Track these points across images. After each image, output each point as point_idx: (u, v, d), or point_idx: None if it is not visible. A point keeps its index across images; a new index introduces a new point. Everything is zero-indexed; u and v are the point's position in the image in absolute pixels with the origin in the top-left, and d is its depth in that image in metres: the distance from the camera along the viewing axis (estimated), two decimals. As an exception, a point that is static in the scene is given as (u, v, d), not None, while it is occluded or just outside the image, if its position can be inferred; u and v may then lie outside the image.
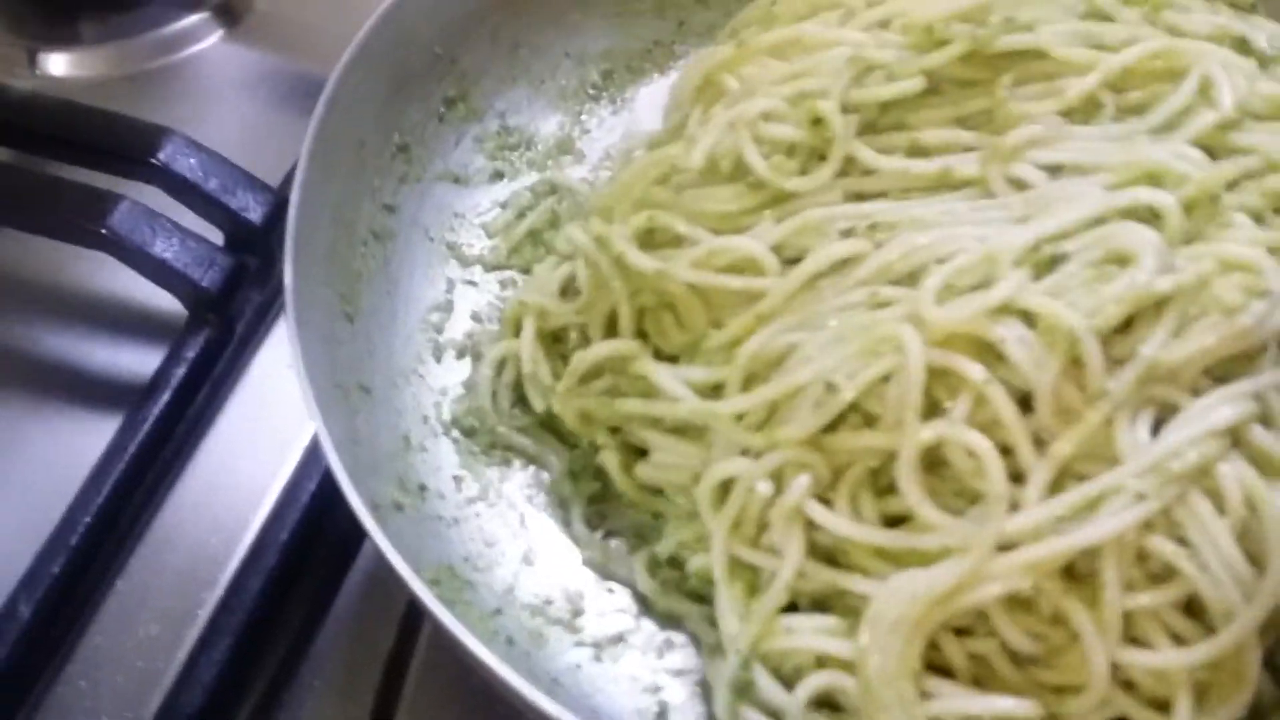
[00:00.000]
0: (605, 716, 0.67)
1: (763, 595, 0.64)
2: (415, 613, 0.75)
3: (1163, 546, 0.58)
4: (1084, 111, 0.67)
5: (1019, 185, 0.66)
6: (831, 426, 0.64)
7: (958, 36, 0.68)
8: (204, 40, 1.03)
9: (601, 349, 0.72)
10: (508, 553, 0.73)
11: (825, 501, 0.64)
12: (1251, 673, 0.58)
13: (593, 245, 0.72)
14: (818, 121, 0.69)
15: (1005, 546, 0.59)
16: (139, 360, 0.85)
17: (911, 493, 0.61)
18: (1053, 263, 0.62)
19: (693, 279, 0.69)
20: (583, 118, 0.88)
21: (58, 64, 1.02)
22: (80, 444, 0.81)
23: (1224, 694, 0.58)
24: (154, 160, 0.86)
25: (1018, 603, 0.60)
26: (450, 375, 0.78)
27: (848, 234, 0.67)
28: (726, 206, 0.71)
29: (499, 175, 0.85)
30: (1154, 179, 0.64)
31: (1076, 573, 0.59)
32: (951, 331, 0.60)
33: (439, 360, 0.78)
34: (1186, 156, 0.65)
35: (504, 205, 0.84)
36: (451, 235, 0.82)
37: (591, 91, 0.88)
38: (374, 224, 0.78)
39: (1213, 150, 0.65)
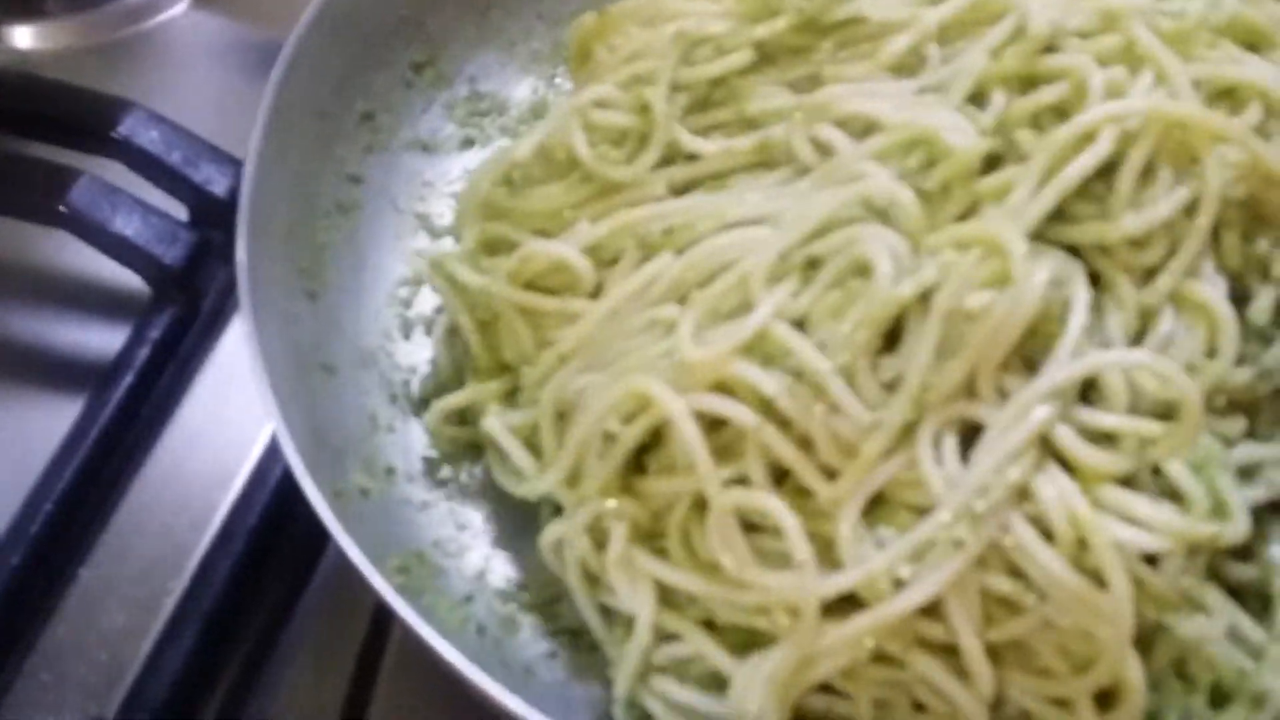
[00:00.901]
0: (581, 705, 0.64)
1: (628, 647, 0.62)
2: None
3: (1000, 584, 0.55)
4: (909, 68, 0.65)
5: (824, 150, 0.64)
6: (642, 469, 0.62)
7: (787, 7, 0.67)
8: (171, 8, 0.99)
9: (456, 398, 0.70)
10: (480, 537, 0.70)
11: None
12: (1136, 681, 0.55)
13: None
14: (646, 107, 0.68)
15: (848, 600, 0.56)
16: (102, 340, 0.82)
17: (719, 550, 0.58)
18: (809, 268, 0.60)
19: (510, 297, 0.68)
20: (556, 81, 0.83)
21: (23, 37, 0.98)
22: (42, 428, 0.77)
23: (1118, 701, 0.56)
24: (114, 134, 0.82)
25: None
26: (420, 352, 0.74)
27: (668, 233, 0.65)
28: (556, 202, 0.69)
29: (470, 142, 0.81)
30: (919, 145, 0.61)
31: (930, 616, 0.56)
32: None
33: (408, 337, 0.75)
34: (960, 126, 0.61)
35: (476, 174, 0.80)
36: (421, 206, 0.78)
37: (565, 54, 0.84)
38: (338, 196, 0.75)
39: (1029, 79, 0.62)
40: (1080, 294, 0.57)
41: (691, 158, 0.68)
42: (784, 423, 0.58)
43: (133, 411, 0.78)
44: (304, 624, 0.75)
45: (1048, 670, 0.56)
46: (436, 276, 0.71)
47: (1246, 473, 0.58)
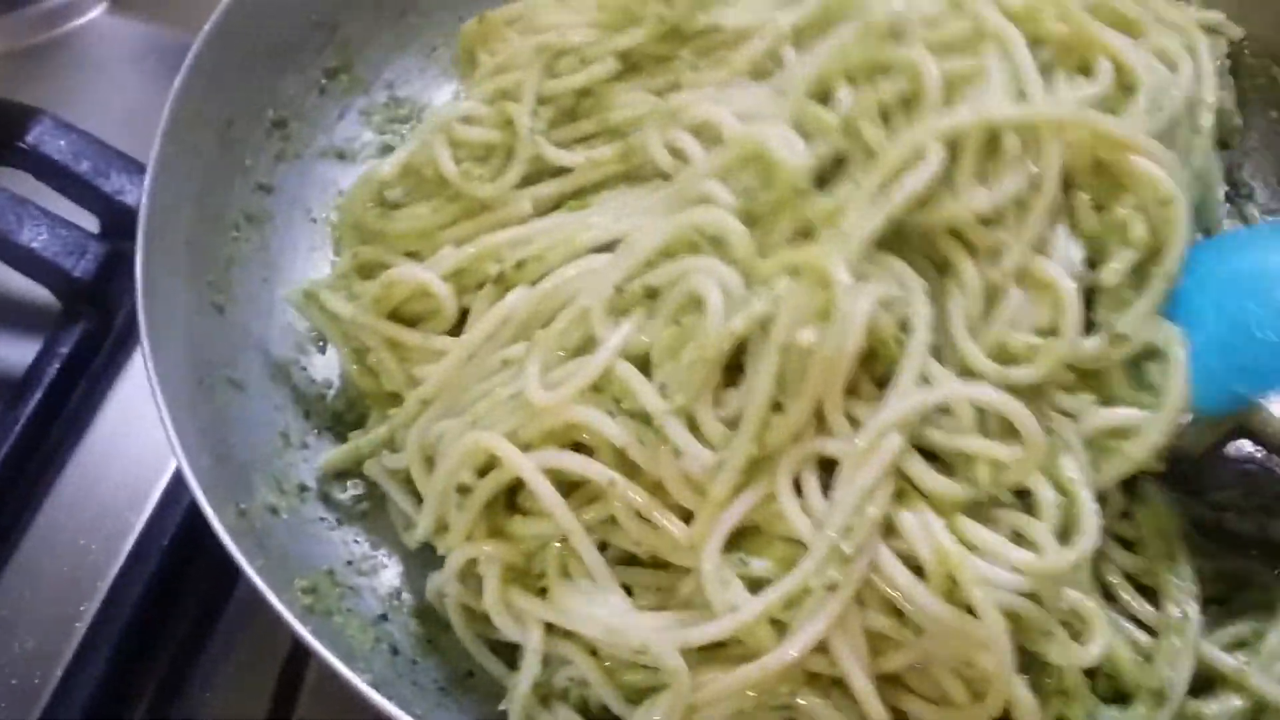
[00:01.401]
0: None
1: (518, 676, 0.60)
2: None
3: (878, 622, 0.55)
4: (767, 72, 0.65)
5: (680, 156, 0.63)
6: (514, 508, 0.61)
7: (647, 16, 0.67)
8: (88, 13, 0.97)
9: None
10: (395, 554, 0.68)
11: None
12: (1027, 702, 0.55)
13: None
14: (510, 122, 0.67)
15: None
16: (12, 354, 0.79)
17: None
18: (649, 298, 0.60)
19: (375, 329, 0.67)
20: (480, 86, 0.81)
21: (-64, 43, 0.96)
22: (-51, 447, 0.75)
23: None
24: (21, 143, 0.80)
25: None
26: (335, 366, 0.73)
27: (520, 266, 0.64)
28: (425, 223, 0.68)
29: (389, 149, 0.78)
30: (753, 160, 0.60)
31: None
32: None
33: (323, 351, 0.73)
34: (790, 141, 0.60)
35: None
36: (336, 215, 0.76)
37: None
38: (247, 206, 0.72)
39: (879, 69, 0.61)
40: (921, 311, 0.57)
41: (559, 173, 0.67)
42: (636, 468, 0.57)
43: (42, 430, 0.76)
44: (223, 642, 0.73)
45: (946, 698, 0.56)
46: (309, 307, 0.69)
47: (1098, 444, 0.58)
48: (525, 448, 0.59)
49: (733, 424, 0.56)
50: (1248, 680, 0.58)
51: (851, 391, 0.56)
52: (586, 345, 0.59)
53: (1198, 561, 0.60)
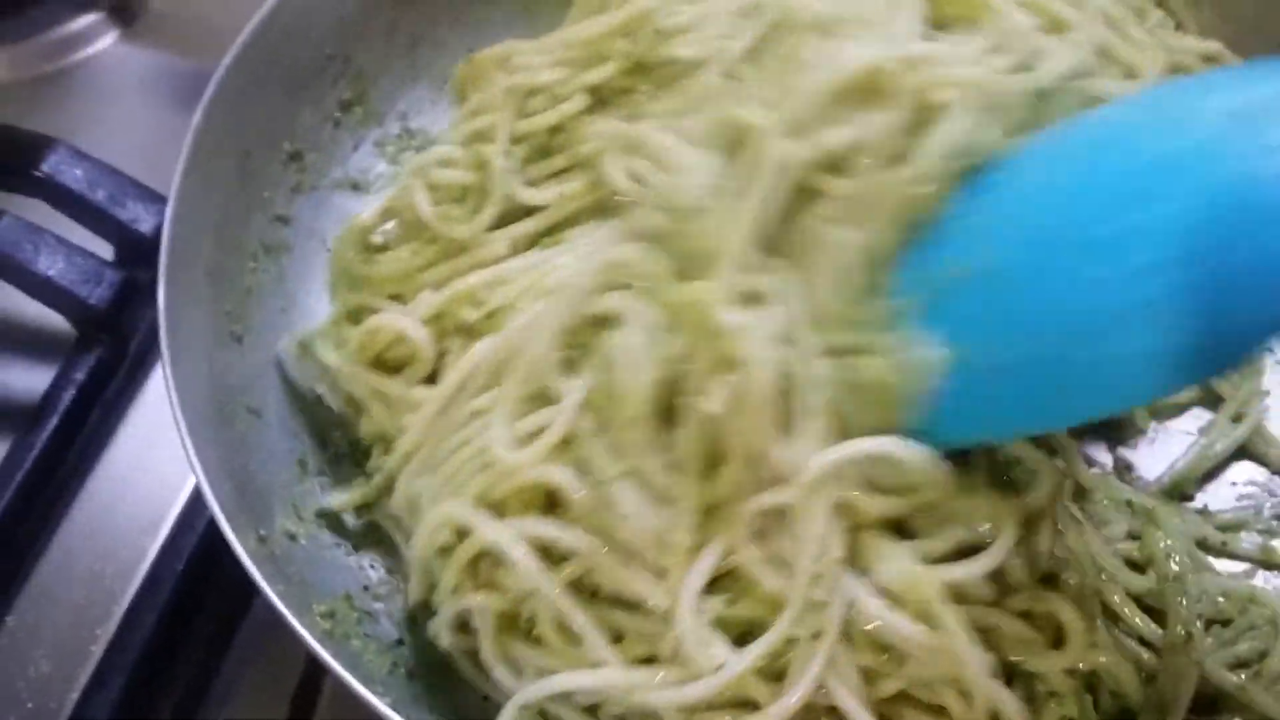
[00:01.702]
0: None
1: None
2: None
3: (866, 657, 0.56)
4: None
5: (640, 182, 0.64)
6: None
7: (614, 53, 0.69)
8: (98, 42, 0.98)
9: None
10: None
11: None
12: (1012, 709, 0.56)
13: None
14: (484, 163, 0.69)
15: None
16: (27, 382, 0.80)
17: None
18: (585, 351, 0.61)
19: (357, 379, 0.68)
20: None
21: (-54, 70, 0.96)
22: (-36, 474, 0.76)
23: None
24: (37, 172, 0.80)
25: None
26: (352, 394, 0.74)
27: (490, 316, 0.65)
28: (405, 265, 0.70)
29: (401, 181, 0.80)
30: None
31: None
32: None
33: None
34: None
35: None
36: (352, 246, 0.77)
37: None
38: (265, 237, 0.73)
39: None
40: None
41: (533, 211, 0.68)
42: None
43: (58, 456, 0.77)
44: (237, 667, 0.74)
45: (943, 708, 0.57)
46: (306, 358, 0.71)
47: None
48: (497, 507, 0.61)
49: (677, 467, 0.57)
50: (1251, 699, 0.59)
51: (781, 429, 0.57)
52: (545, 395, 0.61)
53: (1203, 582, 0.61)
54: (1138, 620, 0.61)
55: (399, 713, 0.56)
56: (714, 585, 0.58)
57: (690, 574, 0.57)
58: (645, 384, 0.57)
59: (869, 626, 0.55)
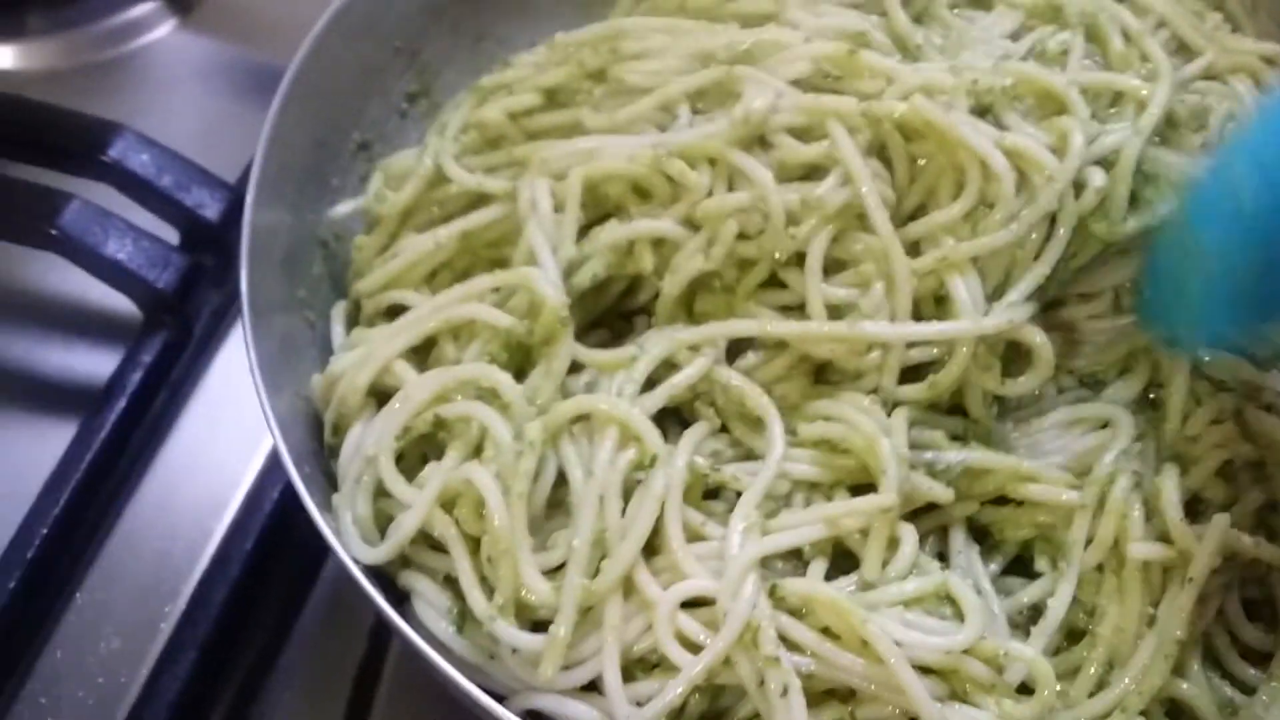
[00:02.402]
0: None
1: None
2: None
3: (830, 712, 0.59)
4: (660, 122, 0.69)
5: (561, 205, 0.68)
6: None
7: (570, 60, 0.72)
8: (156, 30, 0.99)
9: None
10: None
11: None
12: None
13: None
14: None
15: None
16: (95, 364, 0.81)
17: None
18: (436, 429, 0.64)
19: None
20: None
21: (4, 57, 0.97)
22: (34, 453, 0.77)
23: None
24: (105, 157, 0.81)
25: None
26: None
27: None
28: (367, 251, 0.73)
29: (464, 171, 0.81)
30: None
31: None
32: None
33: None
34: (550, 274, 0.65)
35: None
36: (416, 234, 0.78)
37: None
38: (336, 225, 0.74)
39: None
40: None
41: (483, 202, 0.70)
42: None
43: (126, 436, 0.78)
44: (301, 645, 0.75)
45: None
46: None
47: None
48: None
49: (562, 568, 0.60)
50: None
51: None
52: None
53: None
54: (1232, 661, 0.63)
55: (464, 674, 0.57)
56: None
57: (613, 644, 0.59)
58: (520, 530, 0.60)
59: (806, 669, 0.58)
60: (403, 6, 0.77)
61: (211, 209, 0.82)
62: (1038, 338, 0.64)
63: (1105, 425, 0.66)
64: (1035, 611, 0.63)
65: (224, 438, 0.79)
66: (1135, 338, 0.67)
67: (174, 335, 0.80)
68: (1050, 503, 0.64)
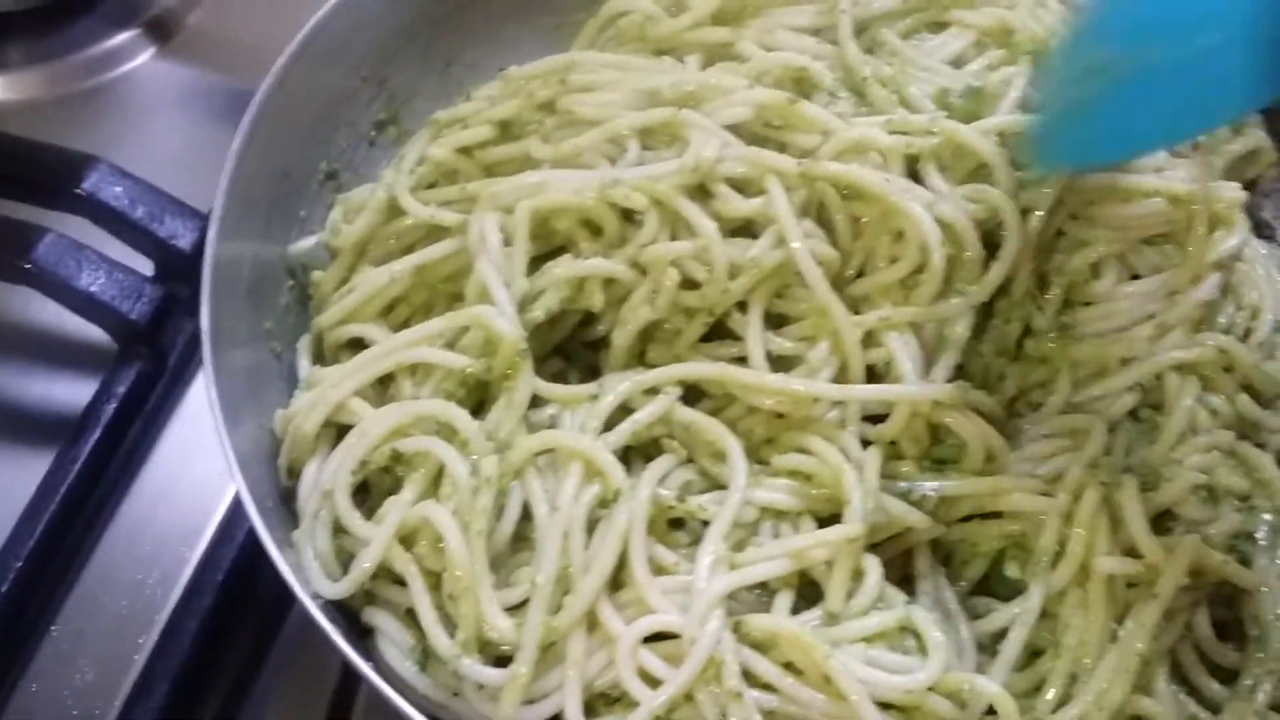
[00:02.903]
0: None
1: None
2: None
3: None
4: (610, 155, 0.69)
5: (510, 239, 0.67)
6: None
7: (520, 92, 0.72)
8: (136, 58, 0.98)
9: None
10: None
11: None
12: None
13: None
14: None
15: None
16: (69, 395, 0.81)
17: None
18: (394, 462, 0.64)
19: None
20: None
21: (-14, 88, 0.97)
22: (9, 484, 0.77)
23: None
24: (79, 190, 0.81)
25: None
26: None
27: None
28: (327, 284, 0.73)
29: (434, 200, 0.80)
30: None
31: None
32: None
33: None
34: (506, 309, 0.65)
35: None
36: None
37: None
38: (303, 255, 0.74)
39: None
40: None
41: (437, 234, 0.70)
42: None
43: (101, 467, 0.77)
44: (274, 675, 0.74)
45: None
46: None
47: None
48: None
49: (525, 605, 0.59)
50: None
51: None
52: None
53: None
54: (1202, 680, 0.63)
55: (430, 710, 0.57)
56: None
57: (576, 677, 0.59)
58: (481, 568, 0.59)
59: (769, 705, 0.57)
60: (370, 35, 0.76)
61: (185, 239, 0.81)
62: (966, 426, 0.64)
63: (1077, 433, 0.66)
64: (1003, 633, 0.62)
65: (198, 466, 0.79)
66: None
67: (148, 366, 0.80)
68: (1025, 511, 0.64)
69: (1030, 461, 0.66)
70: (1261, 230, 0.79)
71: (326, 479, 0.63)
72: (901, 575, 0.64)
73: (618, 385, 0.64)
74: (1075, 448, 0.65)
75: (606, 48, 0.77)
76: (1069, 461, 0.65)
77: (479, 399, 0.65)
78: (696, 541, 0.62)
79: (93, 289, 0.78)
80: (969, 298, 0.65)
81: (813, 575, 0.62)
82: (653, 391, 0.64)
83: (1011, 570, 0.64)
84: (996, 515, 0.65)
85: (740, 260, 0.65)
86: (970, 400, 0.65)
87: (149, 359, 0.80)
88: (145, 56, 0.99)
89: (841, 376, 0.65)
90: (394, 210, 0.71)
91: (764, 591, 0.62)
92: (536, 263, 0.67)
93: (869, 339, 0.65)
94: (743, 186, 0.66)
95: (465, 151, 0.72)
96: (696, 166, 0.65)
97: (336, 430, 0.66)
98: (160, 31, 0.99)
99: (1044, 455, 0.66)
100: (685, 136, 0.67)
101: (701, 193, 0.66)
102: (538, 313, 0.66)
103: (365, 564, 0.61)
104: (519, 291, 0.66)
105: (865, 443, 0.64)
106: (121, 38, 0.98)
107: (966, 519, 0.65)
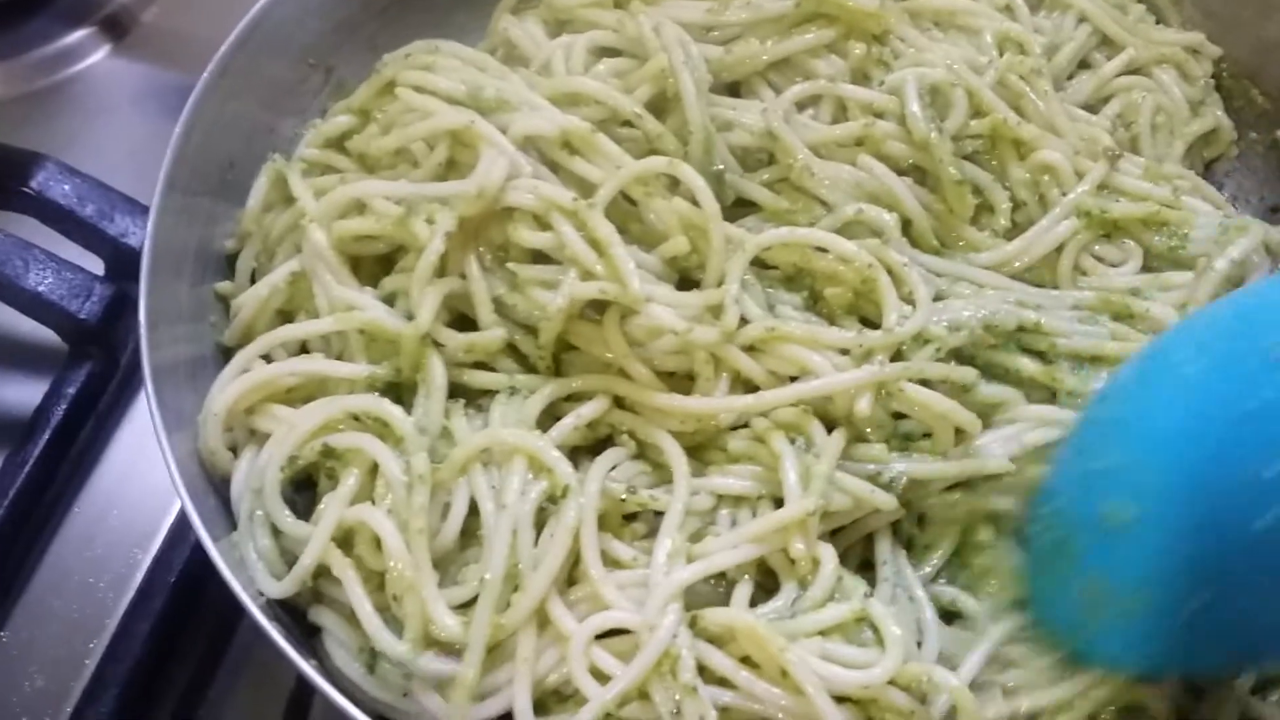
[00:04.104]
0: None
1: None
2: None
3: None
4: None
5: None
6: None
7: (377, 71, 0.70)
8: (91, 56, 0.96)
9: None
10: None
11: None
12: None
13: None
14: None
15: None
16: (20, 396, 0.78)
17: None
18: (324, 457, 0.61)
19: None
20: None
21: (-58, 90, 0.94)
22: (-42, 489, 0.74)
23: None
24: (27, 188, 0.78)
25: None
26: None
27: None
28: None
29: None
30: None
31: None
32: None
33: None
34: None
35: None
36: (338, 255, 0.75)
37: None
38: None
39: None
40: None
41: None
42: None
43: (51, 470, 0.75)
44: (230, 678, 0.72)
45: None
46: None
47: None
48: None
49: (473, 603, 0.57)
50: None
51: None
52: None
53: None
54: None
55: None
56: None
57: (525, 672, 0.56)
58: (425, 576, 0.57)
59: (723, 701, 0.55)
60: (315, 23, 0.74)
61: (135, 237, 0.78)
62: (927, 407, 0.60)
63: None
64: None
65: (150, 468, 0.75)
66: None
67: (99, 366, 0.77)
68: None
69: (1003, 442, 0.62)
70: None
71: (254, 477, 0.61)
72: (861, 560, 0.61)
73: (539, 386, 0.62)
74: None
75: (524, 16, 0.74)
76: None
77: (396, 397, 0.62)
78: (653, 534, 0.60)
79: (40, 288, 0.75)
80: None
81: (770, 564, 0.59)
82: (574, 398, 0.62)
83: (985, 535, 0.61)
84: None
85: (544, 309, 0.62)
86: (928, 374, 0.61)
87: (100, 359, 0.77)
88: (100, 54, 0.96)
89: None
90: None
91: (722, 582, 0.59)
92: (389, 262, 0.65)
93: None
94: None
95: (336, 144, 0.70)
96: (481, 192, 0.62)
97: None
98: (115, 29, 0.97)
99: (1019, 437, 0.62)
100: (478, 149, 0.63)
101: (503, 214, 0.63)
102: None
103: (306, 561, 0.58)
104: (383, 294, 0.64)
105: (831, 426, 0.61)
106: (76, 36, 0.96)
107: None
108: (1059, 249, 0.67)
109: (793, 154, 0.65)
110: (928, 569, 0.62)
